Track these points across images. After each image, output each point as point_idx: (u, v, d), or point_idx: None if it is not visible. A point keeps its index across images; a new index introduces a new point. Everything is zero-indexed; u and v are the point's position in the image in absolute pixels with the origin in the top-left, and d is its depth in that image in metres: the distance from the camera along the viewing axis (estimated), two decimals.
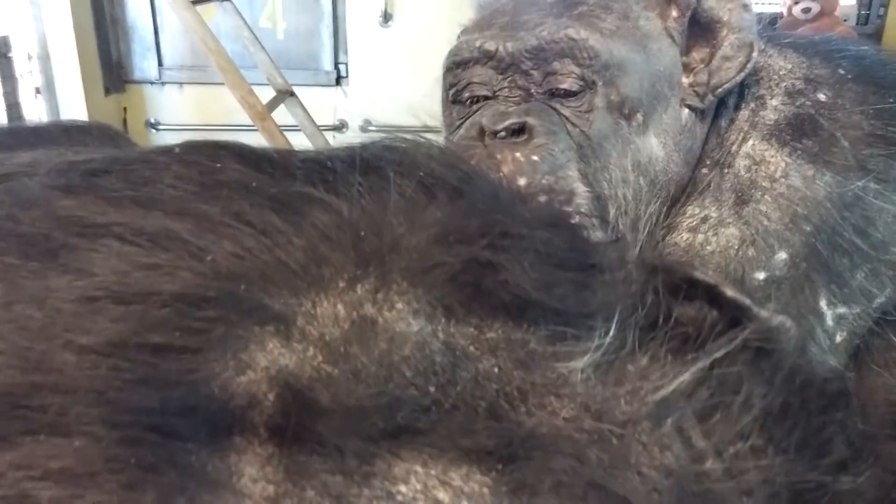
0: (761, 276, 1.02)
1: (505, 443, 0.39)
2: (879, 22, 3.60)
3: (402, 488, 0.37)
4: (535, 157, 0.97)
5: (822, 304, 1.03)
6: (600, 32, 1.03)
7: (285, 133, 2.95)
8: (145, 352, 0.38)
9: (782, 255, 1.02)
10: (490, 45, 1.05)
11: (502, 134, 0.98)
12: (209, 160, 0.46)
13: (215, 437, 0.37)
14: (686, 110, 1.10)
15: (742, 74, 1.08)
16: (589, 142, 1.02)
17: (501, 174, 0.95)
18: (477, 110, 1.06)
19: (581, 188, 1.00)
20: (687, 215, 1.09)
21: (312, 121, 3.30)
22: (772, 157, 1.07)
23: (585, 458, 0.39)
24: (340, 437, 0.37)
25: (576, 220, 0.95)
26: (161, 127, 4.04)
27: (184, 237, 0.41)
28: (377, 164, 0.45)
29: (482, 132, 1.00)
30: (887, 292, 1.06)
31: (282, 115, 3.14)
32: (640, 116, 1.05)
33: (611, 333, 0.42)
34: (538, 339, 0.42)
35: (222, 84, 2.93)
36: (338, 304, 0.42)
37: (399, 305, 0.42)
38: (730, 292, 0.43)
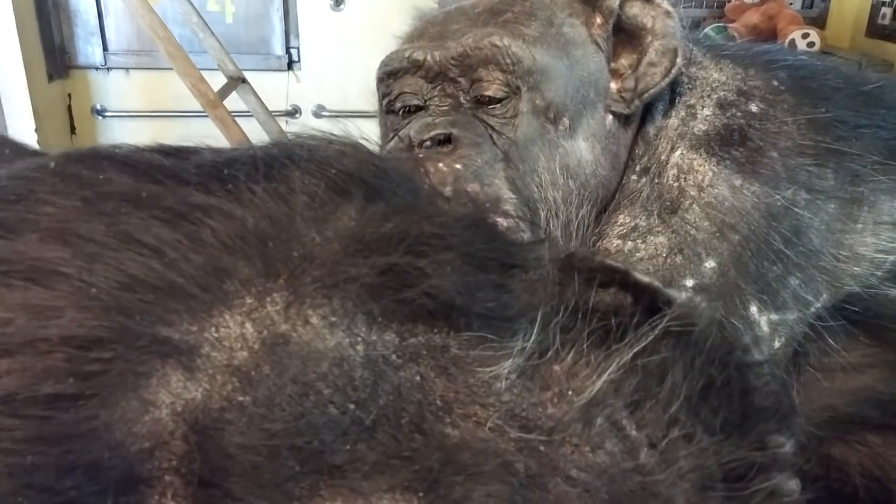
0: (690, 282, 1.03)
1: (429, 463, 0.37)
2: (824, 6, 3.63)
3: None
4: (458, 166, 0.97)
5: (753, 311, 1.03)
6: (523, 39, 1.03)
7: (238, 120, 2.89)
8: (38, 405, 0.35)
9: (710, 264, 1.03)
10: (418, 55, 1.05)
11: (427, 144, 0.99)
12: (91, 172, 0.41)
13: (124, 491, 0.34)
14: (610, 116, 1.10)
15: (667, 80, 1.08)
16: (515, 147, 1.02)
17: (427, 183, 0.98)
18: (408, 123, 1.07)
19: (508, 194, 1.00)
20: (617, 224, 1.10)
21: (265, 107, 3.23)
22: (700, 166, 1.07)
23: (513, 470, 0.38)
24: (252, 490, 0.35)
25: (502, 222, 0.95)
26: (108, 114, 3.91)
27: (64, 271, 0.37)
28: (282, 165, 0.42)
29: (411, 144, 1.00)
30: (823, 299, 1.07)
31: (233, 101, 3.07)
32: (566, 121, 1.05)
33: (533, 335, 0.40)
34: (460, 345, 0.40)
35: (171, 69, 2.84)
36: (245, 324, 0.38)
37: (314, 320, 0.39)
38: (640, 276, 0.42)
